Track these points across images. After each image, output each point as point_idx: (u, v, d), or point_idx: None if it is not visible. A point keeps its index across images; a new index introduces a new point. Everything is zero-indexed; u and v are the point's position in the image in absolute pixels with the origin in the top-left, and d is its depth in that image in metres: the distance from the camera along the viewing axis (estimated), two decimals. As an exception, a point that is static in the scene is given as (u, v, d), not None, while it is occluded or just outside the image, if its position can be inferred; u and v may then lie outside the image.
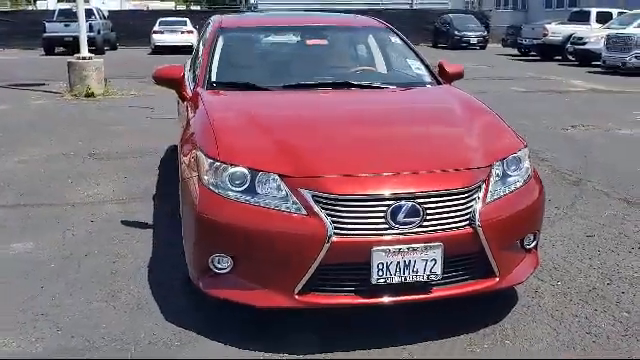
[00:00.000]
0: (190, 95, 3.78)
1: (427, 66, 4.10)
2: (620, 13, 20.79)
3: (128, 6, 47.66)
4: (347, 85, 3.76)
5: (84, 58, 11.00)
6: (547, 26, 21.10)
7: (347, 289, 2.66)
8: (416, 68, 4.09)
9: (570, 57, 19.96)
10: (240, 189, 2.72)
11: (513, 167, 2.92)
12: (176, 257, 3.69)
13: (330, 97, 3.66)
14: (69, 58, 11.44)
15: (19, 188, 5.31)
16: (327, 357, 2.68)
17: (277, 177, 2.66)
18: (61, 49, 22.94)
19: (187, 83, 4.06)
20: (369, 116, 3.41)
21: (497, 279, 2.79)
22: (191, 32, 24.94)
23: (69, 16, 23.37)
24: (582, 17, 21.38)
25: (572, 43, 19.43)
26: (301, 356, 2.67)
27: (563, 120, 8.69)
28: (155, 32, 24.72)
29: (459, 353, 2.72)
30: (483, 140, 2.99)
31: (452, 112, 3.34)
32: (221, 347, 2.77)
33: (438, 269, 2.63)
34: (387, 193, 2.58)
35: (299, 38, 4.29)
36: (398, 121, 3.35)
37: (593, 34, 18.73)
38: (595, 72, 16.36)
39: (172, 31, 24.50)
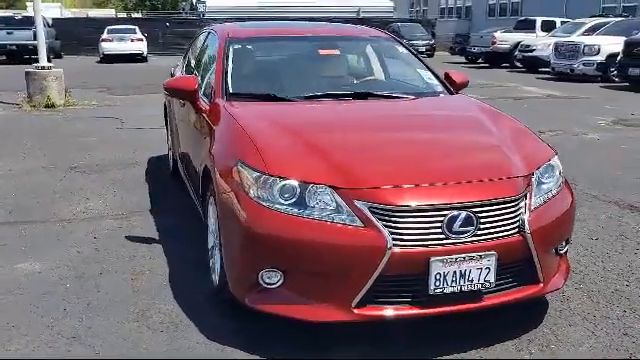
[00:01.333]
0: (207, 107, 3.70)
1: (437, 76, 4.17)
2: (563, 22, 21.69)
3: (67, 14, 46.28)
4: (367, 95, 3.77)
5: (43, 67, 10.60)
6: (495, 34, 21.76)
7: (404, 300, 2.66)
8: (428, 78, 4.15)
9: (518, 64, 20.67)
10: (289, 202, 2.68)
11: (547, 175, 3.00)
12: (193, 271, 3.67)
13: (357, 107, 3.66)
14: (27, 67, 11.00)
15: (5, 204, 5.07)
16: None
17: (330, 189, 2.64)
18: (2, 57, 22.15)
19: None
20: (404, 126, 3.43)
21: (542, 285, 2.85)
22: (141, 40, 24.49)
23: (11, 24, 22.55)
24: (528, 25, 22.15)
25: (520, 50, 20.13)
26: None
27: (529, 126, 8.95)
28: (104, 40, 24.13)
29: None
30: (519, 148, 3.06)
31: (481, 121, 3.40)
32: (272, 364, 2.72)
33: (492, 277, 2.67)
34: (443, 203, 2.60)
35: (310, 48, 4.28)
36: (434, 131, 3.38)
37: (540, 42, 19.46)
38: (545, 78, 16.98)
39: (121, 39, 23.97)
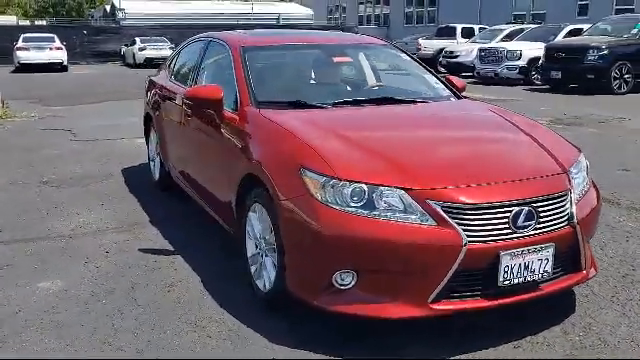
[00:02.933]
0: (234, 115, 3.71)
1: (442, 81, 4.38)
2: (481, 29, 22.84)
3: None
4: (388, 100, 3.92)
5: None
6: (420, 41, 22.59)
7: (475, 293, 2.82)
8: (435, 82, 4.35)
9: (442, 69, 21.55)
10: (359, 204, 2.78)
11: (577, 171, 3.25)
12: (225, 280, 3.71)
13: (389, 112, 3.78)
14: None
15: (-9, 223, 4.82)
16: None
17: (400, 191, 2.76)
18: None
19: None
20: (443, 128, 3.60)
21: (584, 272, 3.10)
22: (60, 49, 23.52)
23: None
24: (449, 32, 23.15)
25: (444, 56, 20.98)
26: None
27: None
28: (19, 49, 22.97)
29: (561, 344, 2.97)
30: (553, 147, 3.30)
31: (510, 122, 3.62)
32: (347, 363, 2.80)
33: (550, 267, 2.89)
34: (508, 200, 2.78)
35: (323, 56, 4.37)
36: (474, 132, 3.57)
37: (463, 48, 20.40)
38: (471, 82, 17.79)
39: (39, 48, 22.92)
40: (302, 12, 39.64)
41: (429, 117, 3.82)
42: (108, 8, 39.49)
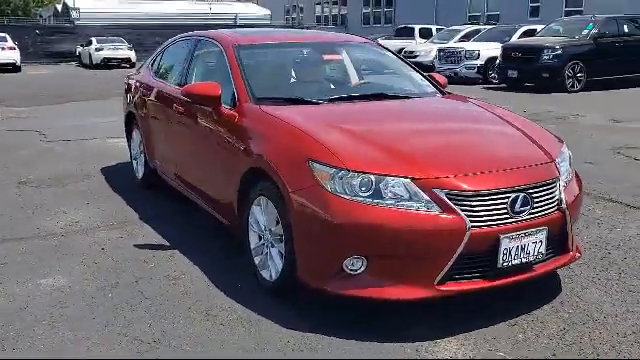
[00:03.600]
0: (232, 112, 3.81)
1: (426, 77, 4.58)
2: (438, 29, 23.36)
3: None
4: (380, 96, 4.09)
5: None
6: (380, 41, 22.90)
7: (475, 275, 3.01)
8: (420, 79, 4.54)
9: (402, 69, 21.95)
10: (367, 194, 2.93)
11: (562, 160, 3.48)
12: (228, 272, 3.81)
13: (384, 107, 3.95)
14: None
15: (-24, 223, 4.78)
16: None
17: (406, 180, 2.93)
18: None
19: None
20: (438, 121, 3.80)
21: (572, 253, 3.33)
22: (13, 49, 22.96)
23: None
24: (407, 33, 23.59)
25: (404, 56, 21.35)
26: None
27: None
28: (-30, 49, 22.29)
29: (553, 320, 3.19)
30: (539, 138, 3.53)
31: (498, 115, 3.84)
32: (355, 344, 2.94)
33: (543, 249, 3.10)
34: (506, 187, 2.99)
35: (313, 53, 4.51)
36: (468, 125, 3.77)
37: (422, 48, 20.84)
38: (431, 82, 18.20)
39: (-9, 48, 22.27)
40: (259, 12, 39.67)
41: (422, 111, 4.01)
42: (59, 7, 38.61)
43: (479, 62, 17.42)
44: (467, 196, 2.91)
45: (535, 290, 3.48)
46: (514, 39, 17.66)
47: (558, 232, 3.20)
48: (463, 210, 2.89)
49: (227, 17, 36.95)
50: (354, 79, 4.54)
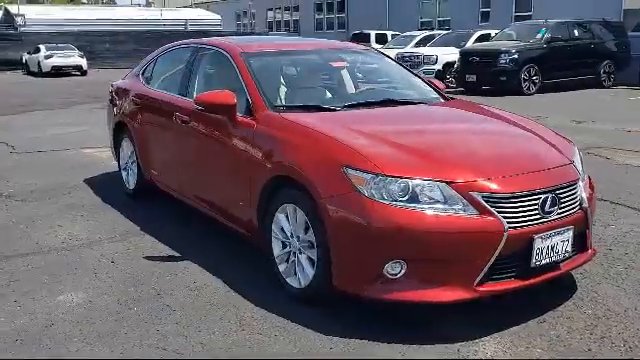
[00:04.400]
0: (250, 120, 3.79)
1: (428, 83, 4.68)
2: (393, 35, 23.74)
3: None
4: (390, 102, 4.15)
5: None
6: (336, 46, 23.07)
7: (511, 275, 3.10)
8: (423, 85, 4.63)
9: (359, 74, 22.18)
10: (404, 198, 2.99)
11: (576, 161, 3.61)
12: (250, 281, 3.78)
13: (399, 113, 4.01)
14: None
15: (-30, 240, 4.59)
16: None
17: (442, 184, 3.00)
18: None
19: None
20: (458, 126, 3.89)
21: (590, 251, 3.48)
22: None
23: None
24: (363, 38, 23.75)
25: (362, 61, 21.61)
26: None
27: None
28: None
29: (578, 316, 3.31)
30: (554, 141, 3.66)
31: (510, 119, 3.96)
32: (399, 347, 2.99)
33: (569, 247, 3.23)
34: (537, 188, 3.09)
35: (320, 60, 4.55)
36: (489, 129, 3.86)
37: (379, 53, 21.11)
38: (391, 87, 18.47)
39: None
40: (210, 18, 39.33)
41: (440, 116, 4.10)
42: (0, 13, 37.25)
43: (437, 67, 17.81)
44: (503, 198, 3.00)
45: (553, 288, 3.60)
46: (469, 44, 18.15)
47: (581, 231, 3.33)
48: (499, 212, 2.98)
49: (178, 23, 36.49)
50: (362, 85, 4.59)
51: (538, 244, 3.07)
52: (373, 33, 23.88)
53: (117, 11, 34.46)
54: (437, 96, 4.53)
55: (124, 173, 5.83)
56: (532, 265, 3.10)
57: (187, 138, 4.48)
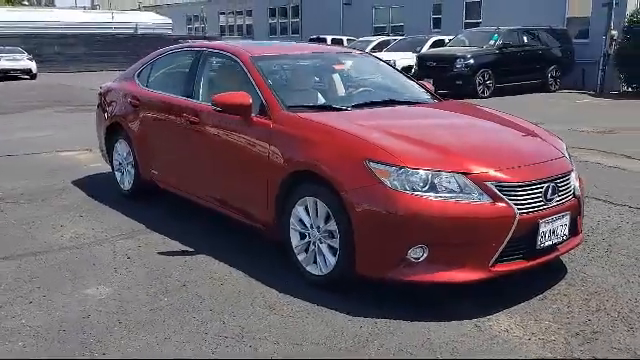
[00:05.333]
0: (266, 120, 4.00)
1: (421, 85, 5.01)
2: (349, 40, 24.19)
3: None
4: (392, 102, 4.46)
5: None
6: (294, 51, 23.34)
7: (519, 256, 3.43)
8: (417, 87, 4.95)
9: (316, 78, 22.52)
10: (425, 188, 3.28)
11: (567, 155, 4.00)
12: (264, 268, 4.03)
13: (406, 111, 4.33)
14: None
15: (-24, 241, 4.63)
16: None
17: (459, 175, 3.31)
18: None
19: None
20: (463, 123, 4.21)
21: (581, 235, 3.86)
22: None
23: None
24: (320, 43, 24.19)
25: (319, 66, 21.94)
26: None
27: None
28: None
29: (574, 292, 3.68)
30: (545, 136, 4.04)
31: (505, 118, 4.32)
32: (422, 325, 3.27)
33: (566, 231, 3.60)
34: (542, 178, 3.45)
35: (324, 63, 4.81)
36: (490, 126, 4.19)
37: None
38: (349, 90, 18.87)
39: None
40: (160, 21, 38.96)
41: (440, 114, 4.44)
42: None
43: (395, 71, 18.30)
44: (513, 187, 3.34)
45: (545, 270, 3.97)
46: (425, 49, 18.75)
47: (574, 216, 3.71)
48: (510, 199, 3.31)
49: (128, 26, 35.99)
50: (363, 87, 4.87)
51: (542, 228, 3.42)
52: (329, 38, 24.25)
53: (67, 13, 33.70)
54: (430, 97, 4.86)
55: (118, 174, 5.92)
56: (537, 247, 3.44)
57: (196, 137, 4.64)
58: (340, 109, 4.15)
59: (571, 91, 18.10)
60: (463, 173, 3.32)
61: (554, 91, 17.91)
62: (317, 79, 4.70)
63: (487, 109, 4.59)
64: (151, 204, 5.57)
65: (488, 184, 3.30)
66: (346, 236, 3.45)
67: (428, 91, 4.96)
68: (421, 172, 3.29)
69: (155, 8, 45.02)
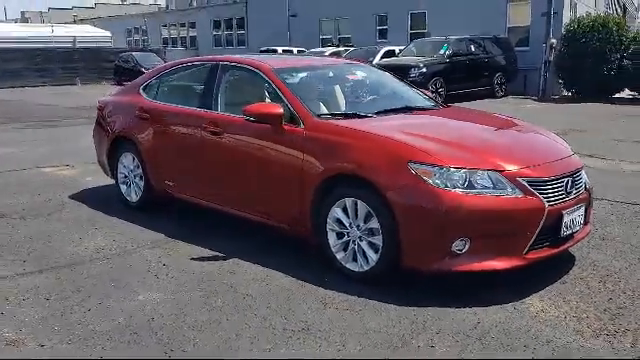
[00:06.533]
0: (298, 128, 4.23)
1: (424, 92, 5.36)
2: (299, 51, 24.55)
3: None
4: (408, 109, 4.78)
5: None
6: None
7: (546, 244, 3.80)
8: (422, 94, 5.30)
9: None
10: (464, 185, 3.61)
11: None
12: (300, 267, 4.24)
13: (427, 117, 4.65)
14: None
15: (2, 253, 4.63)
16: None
17: (493, 172, 3.65)
18: None
19: None
20: (483, 127, 4.56)
21: (590, 225, 4.28)
22: None
23: None
24: (272, 54, 24.41)
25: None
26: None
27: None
28: None
29: (590, 277, 4.08)
30: (551, 136, 4.46)
31: (513, 120, 4.72)
32: (463, 311, 3.57)
33: (582, 220, 4.01)
34: (563, 173, 3.85)
35: (338, 74, 5.10)
36: (504, 129, 4.57)
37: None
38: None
39: None
40: (99, 34, 38.14)
41: (456, 118, 4.80)
42: None
43: (349, 80, 18.75)
44: (542, 182, 3.72)
45: (554, 259, 4.35)
46: (377, 59, 19.32)
47: (585, 208, 4.12)
48: (540, 193, 3.68)
49: (67, 40, 35.08)
50: (376, 95, 5.18)
51: (565, 218, 3.81)
52: (280, 49, 24.53)
53: (5, 27, 32.56)
54: (435, 103, 5.22)
55: (124, 187, 5.97)
56: (561, 235, 3.83)
57: (217, 147, 4.81)
58: (365, 116, 4.44)
59: (516, 97, 19.10)
60: (497, 171, 3.66)
61: (500, 97, 18.84)
62: (336, 88, 4.97)
63: (491, 113, 4.99)
64: (161, 215, 5.65)
65: (520, 180, 3.66)
66: (389, 233, 3.72)
67: (431, 98, 5.32)
68: (463, 171, 3.62)
69: (92, 21, 44.08)
